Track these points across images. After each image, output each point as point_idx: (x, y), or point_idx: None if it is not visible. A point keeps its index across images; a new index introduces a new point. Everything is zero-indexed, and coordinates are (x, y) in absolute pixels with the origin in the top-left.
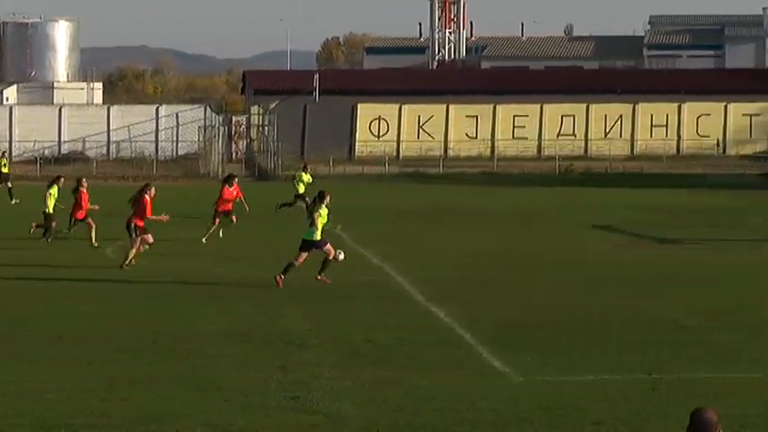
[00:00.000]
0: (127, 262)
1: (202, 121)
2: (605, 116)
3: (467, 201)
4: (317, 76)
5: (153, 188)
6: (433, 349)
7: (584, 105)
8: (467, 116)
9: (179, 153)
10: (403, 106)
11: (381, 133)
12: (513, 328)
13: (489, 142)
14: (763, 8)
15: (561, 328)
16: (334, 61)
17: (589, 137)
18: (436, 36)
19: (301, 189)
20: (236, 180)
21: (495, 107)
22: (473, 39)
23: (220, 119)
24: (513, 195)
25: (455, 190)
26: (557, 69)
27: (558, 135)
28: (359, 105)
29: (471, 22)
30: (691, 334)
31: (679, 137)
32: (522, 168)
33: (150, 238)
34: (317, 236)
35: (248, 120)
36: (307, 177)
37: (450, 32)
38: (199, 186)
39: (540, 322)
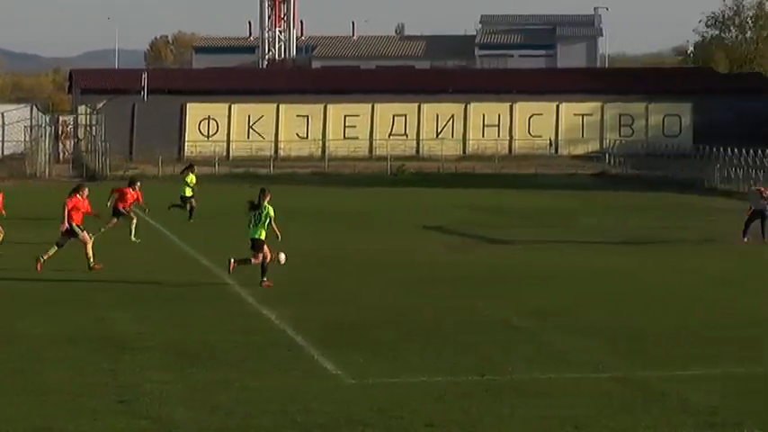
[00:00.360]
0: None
1: (29, 121)
2: (437, 116)
3: (298, 201)
4: (145, 75)
5: (86, 188)
6: (264, 351)
7: (416, 105)
8: (297, 116)
9: (5, 153)
10: (232, 106)
11: (211, 133)
12: (345, 329)
13: (320, 142)
14: (595, 8)
15: (394, 330)
16: (162, 60)
17: (421, 137)
18: (266, 35)
19: (188, 192)
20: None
21: (325, 107)
22: (303, 38)
23: (47, 118)
24: (345, 196)
25: (286, 190)
26: (388, 69)
27: (390, 135)
28: (188, 105)
29: (302, 21)
30: (523, 334)
31: (511, 137)
32: (354, 168)
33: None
34: (262, 235)
35: (75, 119)
36: (192, 178)
37: (280, 31)
38: (26, 187)
39: (372, 323)
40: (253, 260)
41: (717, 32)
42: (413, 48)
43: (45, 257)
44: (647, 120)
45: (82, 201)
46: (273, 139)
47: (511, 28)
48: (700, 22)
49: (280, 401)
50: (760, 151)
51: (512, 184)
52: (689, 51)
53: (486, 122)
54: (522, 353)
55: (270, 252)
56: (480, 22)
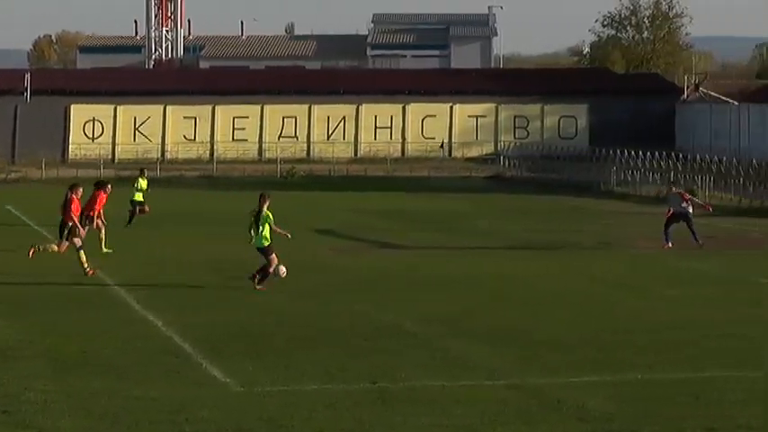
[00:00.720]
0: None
1: None
2: (328, 117)
3: (185, 205)
4: (28, 76)
5: (80, 188)
6: (151, 359)
7: (307, 106)
8: (185, 117)
9: None
10: (118, 107)
11: (96, 135)
12: (234, 335)
13: (208, 144)
14: (489, 7)
15: (284, 336)
16: (46, 60)
17: (311, 139)
18: (153, 34)
19: (139, 197)
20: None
21: (214, 108)
22: (191, 37)
23: None
24: (233, 199)
25: (173, 194)
26: (278, 69)
27: (280, 137)
28: (72, 106)
29: (189, 21)
30: (416, 340)
31: (404, 139)
32: (243, 171)
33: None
34: (266, 242)
35: None
36: (144, 183)
37: (167, 31)
38: None
39: (261, 330)
40: (269, 268)
41: (613, 32)
42: (303, 48)
43: (88, 268)
44: (542, 121)
45: (78, 201)
46: (160, 141)
47: (403, 27)
48: (596, 21)
49: (167, 410)
50: (657, 153)
51: (404, 187)
52: (585, 52)
53: (378, 124)
54: (414, 359)
55: (275, 260)
56: (372, 22)
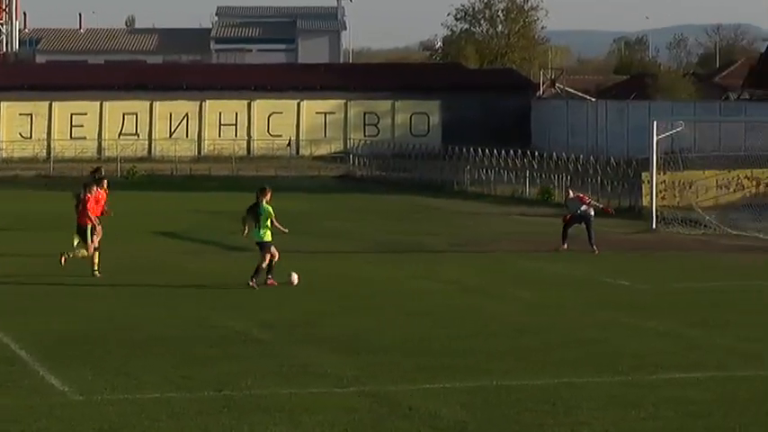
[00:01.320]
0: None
1: None
2: (170, 114)
3: (20, 206)
4: None
5: (94, 186)
6: None
7: (148, 103)
8: (20, 114)
9: None
10: None
11: None
12: (72, 343)
13: (45, 143)
14: (338, 0)
15: (125, 343)
16: None
17: (153, 137)
18: None
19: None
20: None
21: (50, 104)
22: (27, 30)
23: None
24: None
25: (7, 195)
26: (117, 64)
27: (120, 135)
28: None
29: (25, 13)
30: (263, 347)
31: (249, 136)
32: (81, 171)
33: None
34: (267, 237)
35: None
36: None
37: (1, 24)
38: None
39: (101, 336)
40: (263, 264)
41: (467, 26)
42: (144, 42)
43: (96, 268)
44: (393, 118)
45: (92, 199)
46: None
47: (249, 21)
48: (448, 15)
49: (1, 420)
50: (512, 151)
51: (250, 186)
52: (437, 46)
53: (222, 121)
54: (262, 367)
55: (277, 252)
56: (216, 15)
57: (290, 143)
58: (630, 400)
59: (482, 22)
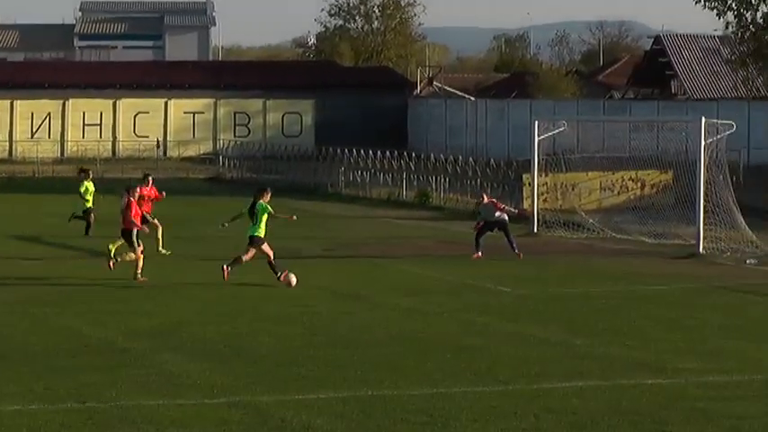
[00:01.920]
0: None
1: None
2: (32, 114)
3: None
4: None
5: (137, 189)
6: None
7: (8, 102)
8: None
9: None
10: None
11: None
12: None
13: None
14: None
15: None
16: None
17: (14, 137)
18: None
19: (90, 200)
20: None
21: None
22: None
23: None
24: None
25: None
26: None
27: None
28: None
29: None
30: (129, 356)
31: (115, 137)
32: None
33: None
34: (260, 233)
35: None
36: (90, 186)
37: None
38: None
39: None
40: (244, 257)
41: (341, 22)
42: (4, 38)
43: (139, 272)
44: (264, 118)
45: (135, 202)
46: None
47: (114, 16)
48: (322, 11)
49: None
50: (388, 153)
51: (116, 188)
52: (310, 43)
53: (86, 121)
54: (128, 377)
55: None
56: (80, 10)
57: (157, 144)
58: (511, 410)
59: (357, 18)
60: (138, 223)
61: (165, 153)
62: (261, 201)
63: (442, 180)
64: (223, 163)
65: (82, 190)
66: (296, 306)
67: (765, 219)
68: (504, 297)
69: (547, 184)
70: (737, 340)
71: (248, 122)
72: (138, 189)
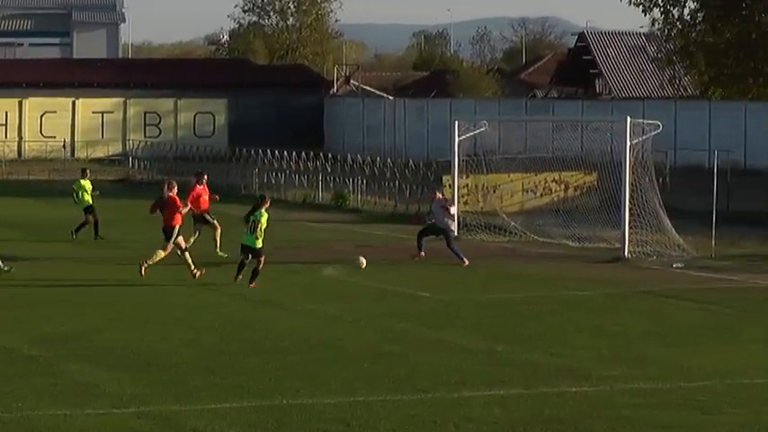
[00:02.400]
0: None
1: None
2: None
3: None
4: None
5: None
6: None
7: None
8: None
9: None
10: None
11: None
12: None
13: None
14: None
15: None
16: None
17: None
18: None
19: (87, 199)
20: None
21: None
22: None
23: None
24: None
25: None
26: None
27: None
28: None
29: None
30: (35, 365)
31: (21, 138)
32: None
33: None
34: (259, 244)
35: None
36: (88, 185)
37: None
38: None
39: None
40: (259, 267)
41: (255, 18)
42: None
43: (196, 271)
44: (176, 118)
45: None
46: None
47: (20, 12)
48: (236, 6)
49: None
50: (304, 153)
51: (22, 191)
52: (223, 40)
53: None
54: (33, 386)
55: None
56: None
57: (64, 145)
58: (430, 419)
59: (271, 14)
60: (180, 220)
61: (72, 154)
62: (262, 209)
63: (360, 182)
64: (133, 164)
65: (83, 186)
66: (210, 313)
67: (692, 221)
68: (423, 303)
69: (468, 185)
70: (662, 347)
71: (159, 122)
72: (196, 188)
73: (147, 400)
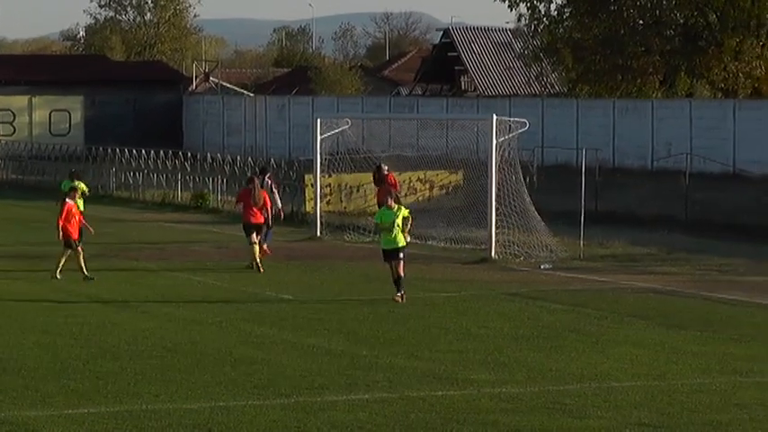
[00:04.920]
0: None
1: None
2: None
3: None
4: None
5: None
6: None
7: None
8: None
9: None
10: None
11: None
12: None
13: None
14: None
15: None
16: None
17: None
18: None
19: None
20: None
21: None
22: None
23: None
24: None
25: None
26: None
27: None
28: None
29: None
30: None
31: None
32: None
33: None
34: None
35: None
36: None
37: None
38: None
39: None
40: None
41: (112, 14)
42: None
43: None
44: (30, 116)
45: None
46: None
47: None
48: (92, 2)
49: None
50: (162, 152)
51: None
52: (80, 36)
53: None
54: None
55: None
56: None
57: None
58: (293, 424)
59: (129, 9)
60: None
61: None
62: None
63: (220, 181)
64: None
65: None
66: (63, 315)
67: (560, 221)
68: (284, 305)
69: (330, 185)
70: (530, 350)
71: (13, 120)
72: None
73: (0, 406)
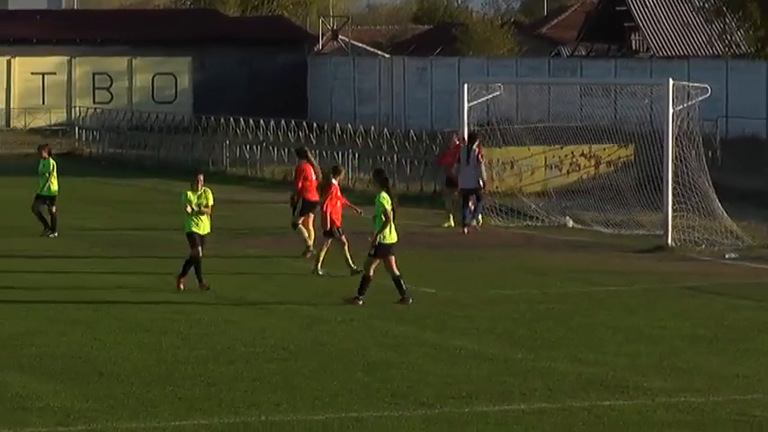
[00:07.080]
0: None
1: None
2: None
3: None
4: None
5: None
6: None
7: None
8: None
9: None
10: None
11: None
12: None
13: None
14: None
15: None
16: None
17: None
18: None
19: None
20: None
21: None
22: None
23: None
24: None
25: None
26: None
27: None
28: None
29: None
30: None
31: None
32: None
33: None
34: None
35: None
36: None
37: None
38: None
39: None
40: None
41: None
42: None
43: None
44: (130, 80)
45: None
46: None
47: None
48: None
49: None
50: (284, 123)
51: None
52: None
53: None
54: None
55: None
56: None
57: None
58: None
59: None
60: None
61: (8, 123)
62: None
63: (351, 156)
64: (80, 136)
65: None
66: (171, 312)
67: (747, 204)
68: (428, 300)
69: None
70: (712, 353)
71: (110, 86)
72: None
73: (95, 417)
